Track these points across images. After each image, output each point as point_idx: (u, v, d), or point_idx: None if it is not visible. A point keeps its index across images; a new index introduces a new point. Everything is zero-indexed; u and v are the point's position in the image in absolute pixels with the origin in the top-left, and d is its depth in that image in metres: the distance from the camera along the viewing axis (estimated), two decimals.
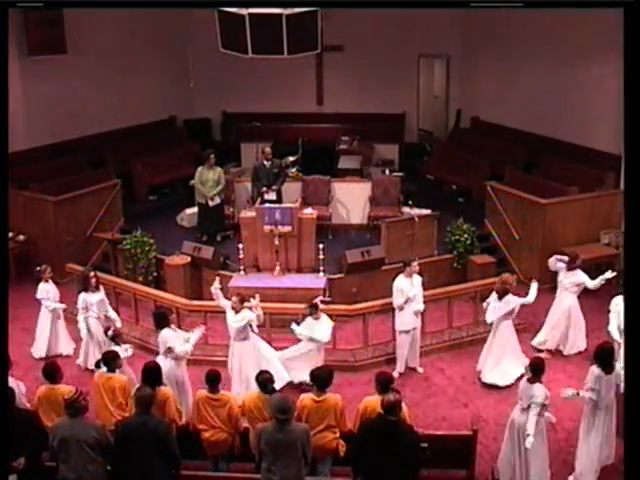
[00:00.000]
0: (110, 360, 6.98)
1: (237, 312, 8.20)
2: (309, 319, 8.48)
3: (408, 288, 8.68)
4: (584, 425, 6.95)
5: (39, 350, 9.44)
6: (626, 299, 7.29)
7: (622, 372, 6.67)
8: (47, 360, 7.33)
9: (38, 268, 9.47)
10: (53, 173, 12.33)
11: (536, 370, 6.60)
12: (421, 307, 8.79)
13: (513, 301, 8.50)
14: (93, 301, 8.83)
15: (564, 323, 9.19)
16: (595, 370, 6.73)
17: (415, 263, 8.76)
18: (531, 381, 6.59)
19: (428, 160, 14.74)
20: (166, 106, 15.15)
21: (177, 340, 7.68)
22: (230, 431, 6.66)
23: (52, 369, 6.83)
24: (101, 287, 9.07)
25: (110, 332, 7.97)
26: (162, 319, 7.77)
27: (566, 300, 9.17)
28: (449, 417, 8.11)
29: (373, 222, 11.87)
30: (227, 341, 9.53)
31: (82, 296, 8.85)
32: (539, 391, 6.51)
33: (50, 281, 9.41)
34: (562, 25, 12.13)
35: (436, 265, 10.66)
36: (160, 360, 7.48)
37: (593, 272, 10.80)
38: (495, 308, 8.52)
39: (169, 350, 7.62)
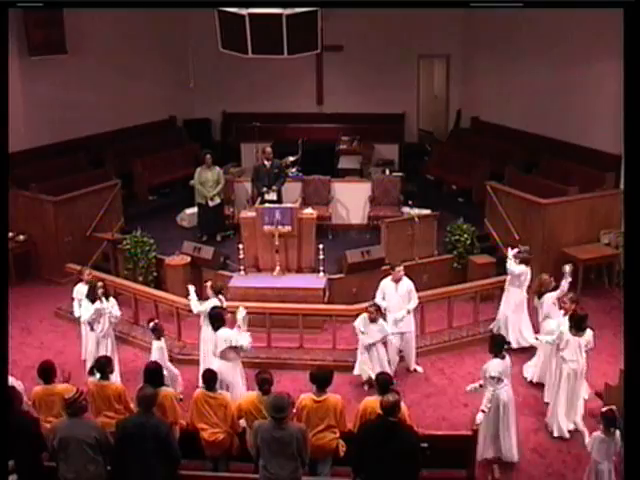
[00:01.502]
0: (103, 366, 6.90)
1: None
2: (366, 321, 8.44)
3: (390, 292, 8.66)
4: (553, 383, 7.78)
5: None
6: (626, 299, 7.30)
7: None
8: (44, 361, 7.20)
9: (79, 268, 9.32)
10: (53, 173, 12.34)
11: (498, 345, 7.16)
12: (399, 316, 8.61)
13: (549, 298, 8.54)
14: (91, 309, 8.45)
15: (519, 317, 9.20)
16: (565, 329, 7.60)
17: (399, 269, 8.70)
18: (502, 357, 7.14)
19: (428, 160, 14.73)
20: (166, 106, 15.15)
21: (236, 336, 7.67)
22: (228, 431, 6.65)
23: (47, 369, 6.78)
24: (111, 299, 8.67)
25: (152, 324, 7.96)
26: (218, 319, 7.73)
27: (520, 294, 9.16)
28: (449, 417, 8.12)
29: (373, 222, 11.88)
30: None
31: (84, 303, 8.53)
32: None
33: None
34: (562, 25, 12.12)
35: (436, 265, 10.66)
36: (214, 361, 7.66)
37: (593, 272, 10.85)
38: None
39: (235, 349, 7.64)
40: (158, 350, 8.01)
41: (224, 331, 7.67)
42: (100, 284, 8.54)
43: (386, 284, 8.73)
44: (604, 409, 6.64)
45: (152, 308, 9.80)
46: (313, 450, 6.37)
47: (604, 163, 11.62)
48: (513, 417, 7.27)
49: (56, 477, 5.96)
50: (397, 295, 8.66)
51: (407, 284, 8.72)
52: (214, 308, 7.95)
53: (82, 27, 13.07)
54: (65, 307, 10.47)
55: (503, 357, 7.15)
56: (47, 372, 6.77)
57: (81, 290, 9.02)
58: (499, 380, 7.10)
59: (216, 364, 7.60)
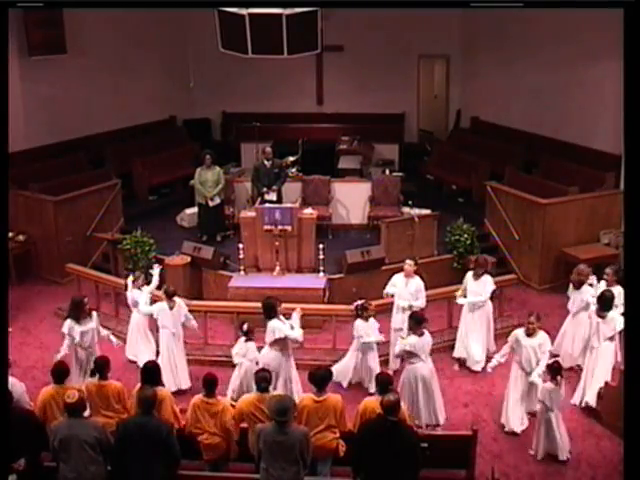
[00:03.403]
0: (101, 366, 6.88)
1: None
2: (360, 321, 8.37)
3: (400, 286, 8.74)
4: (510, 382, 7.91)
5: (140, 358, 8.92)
6: (626, 300, 7.31)
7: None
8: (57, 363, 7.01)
9: (131, 276, 9.16)
10: (53, 173, 12.33)
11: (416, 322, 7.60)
12: (403, 304, 8.65)
13: (586, 291, 8.60)
14: (78, 331, 8.00)
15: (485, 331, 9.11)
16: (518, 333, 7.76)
17: (407, 261, 8.81)
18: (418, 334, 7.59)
19: (428, 160, 14.73)
20: (166, 106, 15.15)
21: (286, 328, 7.81)
22: (224, 436, 6.63)
23: (61, 370, 6.77)
24: (94, 314, 8.27)
25: (245, 326, 7.97)
26: (270, 309, 7.82)
27: (486, 307, 9.06)
28: (449, 417, 8.09)
29: (373, 222, 11.88)
30: (228, 341, 9.57)
31: (68, 323, 8.04)
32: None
33: (142, 288, 8.97)
34: (562, 25, 12.13)
35: (436, 265, 10.65)
36: (265, 351, 7.84)
37: (594, 273, 10.83)
38: (575, 299, 8.73)
39: (280, 340, 7.76)
40: (252, 352, 7.98)
41: (274, 322, 7.81)
42: (86, 300, 8.24)
43: (397, 278, 8.85)
44: (550, 361, 7.31)
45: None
46: (313, 450, 6.38)
47: (604, 163, 11.63)
48: (437, 389, 7.79)
49: (56, 477, 5.96)
50: (406, 291, 8.74)
51: (417, 283, 8.80)
52: (268, 298, 8.05)
53: (82, 27, 13.07)
54: (65, 307, 10.45)
55: (421, 334, 7.57)
56: (61, 373, 6.74)
57: (136, 294, 8.92)
58: (411, 354, 7.54)
59: (263, 352, 7.87)
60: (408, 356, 7.64)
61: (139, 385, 6.65)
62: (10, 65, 10.04)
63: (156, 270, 9.23)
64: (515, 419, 7.78)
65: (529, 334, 7.65)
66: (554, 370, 7.13)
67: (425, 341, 7.64)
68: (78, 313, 8.05)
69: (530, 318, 7.68)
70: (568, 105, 12.41)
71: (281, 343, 7.84)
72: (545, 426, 7.27)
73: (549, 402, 7.17)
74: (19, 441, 5.95)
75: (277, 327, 7.79)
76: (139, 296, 8.85)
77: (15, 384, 6.80)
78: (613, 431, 7.65)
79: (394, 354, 8.12)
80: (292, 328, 7.86)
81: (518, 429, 7.77)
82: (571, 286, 8.81)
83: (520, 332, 7.75)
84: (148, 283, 9.10)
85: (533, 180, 12.17)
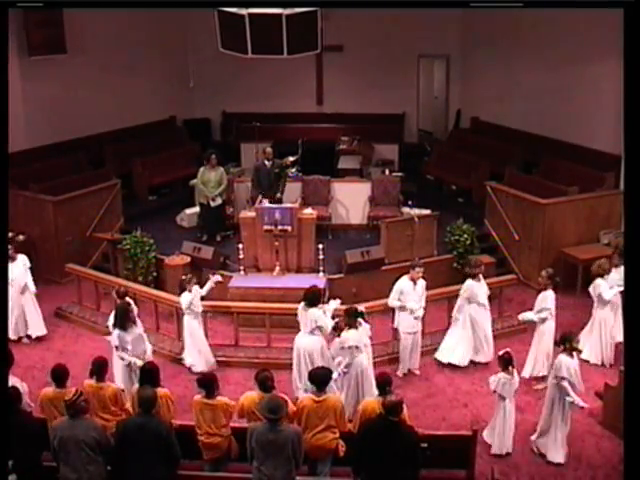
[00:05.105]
0: (99, 368, 6.85)
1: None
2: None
3: (408, 291, 8.68)
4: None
5: (198, 365, 8.93)
6: (626, 299, 7.31)
7: None
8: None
9: (183, 277, 9.00)
10: (53, 173, 12.33)
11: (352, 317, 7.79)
12: (420, 314, 8.77)
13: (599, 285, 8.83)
14: (129, 339, 7.76)
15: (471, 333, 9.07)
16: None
17: (418, 269, 8.72)
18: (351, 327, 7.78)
19: (428, 160, 14.73)
20: (166, 106, 15.14)
21: (326, 320, 8.09)
22: (225, 435, 6.63)
23: (61, 373, 6.73)
24: (138, 321, 8.03)
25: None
26: (316, 298, 8.11)
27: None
28: (449, 417, 8.12)
29: (373, 222, 11.88)
30: (227, 341, 9.58)
31: (116, 333, 7.74)
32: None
33: (192, 289, 8.87)
34: (562, 25, 12.13)
35: (436, 265, 10.65)
36: (309, 337, 8.10)
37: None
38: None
39: (319, 328, 8.07)
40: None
41: (313, 311, 8.07)
42: (131, 307, 8.00)
43: (404, 283, 8.73)
44: (501, 352, 7.37)
45: (152, 308, 9.79)
46: (313, 450, 6.40)
47: (604, 163, 11.63)
48: (372, 377, 7.72)
49: (56, 477, 5.96)
50: (416, 294, 8.72)
51: (422, 283, 8.81)
52: (313, 286, 8.33)
53: (82, 27, 13.07)
54: (65, 307, 10.49)
55: (358, 327, 7.79)
56: (60, 375, 6.71)
57: (187, 299, 8.80)
58: (357, 348, 7.70)
59: (305, 340, 8.12)
60: (351, 351, 7.74)
61: (137, 385, 6.66)
62: (10, 65, 10.00)
63: (214, 278, 9.22)
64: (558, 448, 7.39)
65: (571, 355, 7.26)
66: (505, 361, 7.22)
67: (364, 332, 7.88)
68: (125, 321, 7.77)
69: (578, 337, 7.55)
70: (568, 105, 12.41)
71: (319, 330, 8.09)
72: (500, 417, 7.37)
73: (502, 391, 7.26)
74: (18, 445, 5.92)
75: (319, 316, 8.04)
76: (184, 298, 8.81)
77: (17, 384, 6.78)
78: (613, 431, 7.65)
79: (343, 361, 7.77)
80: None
81: (562, 459, 7.35)
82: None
83: (564, 358, 7.21)
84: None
85: (533, 180, 12.17)
